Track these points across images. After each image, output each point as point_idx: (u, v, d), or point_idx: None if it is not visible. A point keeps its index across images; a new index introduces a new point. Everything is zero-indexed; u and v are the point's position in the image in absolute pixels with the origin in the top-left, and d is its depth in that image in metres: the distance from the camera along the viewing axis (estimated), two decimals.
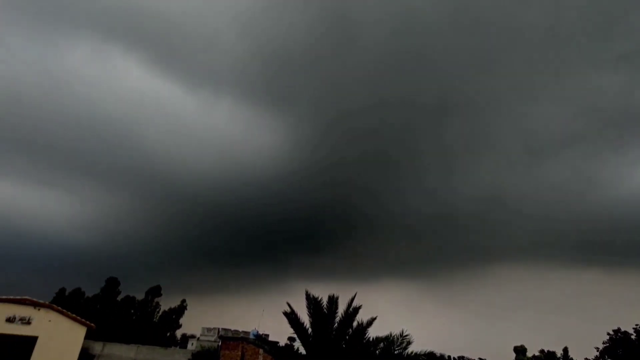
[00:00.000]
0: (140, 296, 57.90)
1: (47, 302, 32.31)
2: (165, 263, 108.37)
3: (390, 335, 14.32)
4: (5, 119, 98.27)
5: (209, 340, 46.89)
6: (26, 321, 30.49)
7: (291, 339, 47.42)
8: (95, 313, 50.59)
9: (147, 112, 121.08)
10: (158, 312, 56.72)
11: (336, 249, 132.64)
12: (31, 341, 30.66)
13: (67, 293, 57.89)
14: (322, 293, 16.05)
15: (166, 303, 59.81)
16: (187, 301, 59.03)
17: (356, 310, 15.03)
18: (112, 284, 55.20)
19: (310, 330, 15.91)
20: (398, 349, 13.99)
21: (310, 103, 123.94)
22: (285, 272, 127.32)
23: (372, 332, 14.87)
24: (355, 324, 14.89)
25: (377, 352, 14.24)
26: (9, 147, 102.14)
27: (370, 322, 14.65)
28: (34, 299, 31.17)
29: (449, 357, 72.92)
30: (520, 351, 20.55)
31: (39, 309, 31.29)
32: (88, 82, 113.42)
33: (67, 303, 49.30)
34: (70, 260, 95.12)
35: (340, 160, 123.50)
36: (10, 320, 29.86)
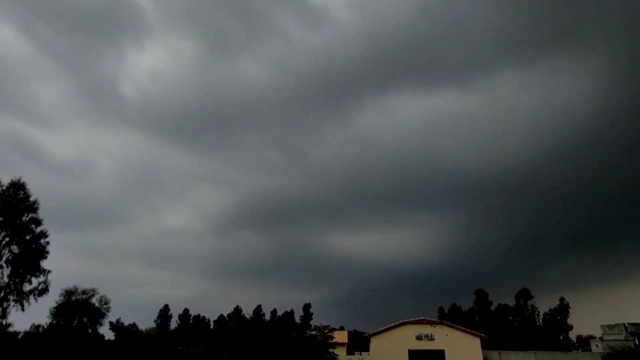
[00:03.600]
0: (510, 302, 57.25)
1: (438, 320, 37.38)
2: (522, 264, 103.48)
3: None
4: (352, 186, 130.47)
5: (616, 340, 39.52)
6: (430, 337, 36.09)
7: None
8: (474, 324, 53.54)
9: (440, 130, 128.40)
10: (537, 315, 53.75)
11: None
12: (440, 354, 35.68)
13: (446, 310, 64.85)
14: None
15: (541, 305, 56.05)
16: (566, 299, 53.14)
17: None
18: (481, 296, 57.56)
19: None
20: None
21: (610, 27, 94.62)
22: None
23: None
24: None
25: None
26: (363, 204, 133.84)
27: None
28: (429, 318, 36.83)
29: None
30: None
31: (434, 326, 36.51)
32: (380, 129, 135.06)
33: (448, 318, 54.86)
34: (432, 281, 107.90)
35: None
36: (419, 337, 36.23)
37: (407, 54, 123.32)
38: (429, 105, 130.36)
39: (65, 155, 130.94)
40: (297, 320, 67.42)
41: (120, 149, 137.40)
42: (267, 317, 69.05)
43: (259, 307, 69.82)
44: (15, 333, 37.36)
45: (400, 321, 37.07)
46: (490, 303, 57.64)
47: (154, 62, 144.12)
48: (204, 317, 69.75)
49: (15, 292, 30.69)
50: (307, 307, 69.17)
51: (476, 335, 35.96)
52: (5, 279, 30.24)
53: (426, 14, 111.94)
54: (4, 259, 30.54)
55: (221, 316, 69.20)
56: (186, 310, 68.44)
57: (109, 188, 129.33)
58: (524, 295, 55.08)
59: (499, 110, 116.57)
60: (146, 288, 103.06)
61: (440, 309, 65.01)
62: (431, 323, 36.68)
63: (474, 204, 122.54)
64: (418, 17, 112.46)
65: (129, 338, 46.11)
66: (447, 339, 35.78)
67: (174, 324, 67.68)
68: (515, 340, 50.52)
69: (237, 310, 69.38)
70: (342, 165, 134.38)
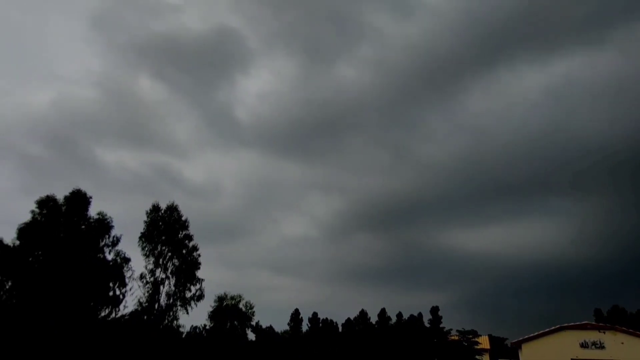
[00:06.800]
0: None
1: (608, 325, 31.70)
2: None
3: None
4: (469, 177, 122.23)
5: None
6: (599, 345, 30.71)
7: None
8: None
9: (569, 100, 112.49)
10: None
11: None
12: None
13: (604, 312, 55.54)
14: None
15: None
16: None
17: None
18: None
19: None
20: None
21: None
22: None
23: None
24: None
25: None
26: (484, 196, 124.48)
27: None
28: (595, 323, 31.47)
29: None
30: None
31: (603, 332, 31.00)
32: (493, 112, 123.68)
33: (610, 322, 46.43)
34: (577, 278, 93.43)
35: None
36: (584, 345, 31.12)
37: (518, 22, 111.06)
38: (551, 74, 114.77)
39: (199, 179, 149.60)
40: (426, 324, 64.70)
41: (241, 169, 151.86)
42: (393, 320, 67.81)
43: (383, 311, 69.01)
44: (181, 333, 43.29)
45: (557, 326, 32.33)
46: None
47: (260, 84, 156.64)
48: (332, 321, 71.57)
49: (179, 298, 35.56)
50: (435, 310, 65.90)
51: None
52: (172, 287, 35.29)
53: None
54: (169, 270, 35.68)
55: (348, 319, 70.15)
56: (315, 314, 71.14)
57: (235, 205, 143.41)
58: None
59: None
60: (275, 293, 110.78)
61: (598, 312, 55.84)
62: (599, 328, 31.22)
63: (626, 184, 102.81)
64: None
65: (269, 340, 49.79)
66: (623, 347, 30.01)
67: (304, 327, 70.95)
68: None
69: (363, 313, 69.54)
70: (454, 156, 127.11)
